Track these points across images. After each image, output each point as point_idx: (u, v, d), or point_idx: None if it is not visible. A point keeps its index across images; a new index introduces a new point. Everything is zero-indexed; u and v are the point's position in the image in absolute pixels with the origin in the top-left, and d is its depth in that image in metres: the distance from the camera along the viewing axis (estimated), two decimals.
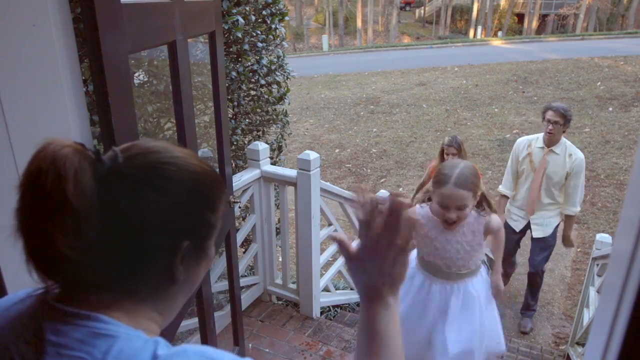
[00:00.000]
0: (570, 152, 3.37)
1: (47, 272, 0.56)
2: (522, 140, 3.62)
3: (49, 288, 0.59)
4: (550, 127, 3.32)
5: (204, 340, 1.82)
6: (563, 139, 3.41)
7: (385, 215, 0.67)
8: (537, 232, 3.60)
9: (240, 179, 2.73)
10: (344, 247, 0.71)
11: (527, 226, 3.67)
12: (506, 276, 3.97)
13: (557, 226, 3.62)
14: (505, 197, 3.77)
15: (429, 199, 2.22)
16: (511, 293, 4.41)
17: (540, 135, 3.52)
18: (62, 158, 0.53)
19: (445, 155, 3.56)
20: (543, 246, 3.62)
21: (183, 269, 0.62)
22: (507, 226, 3.67)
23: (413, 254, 2.29)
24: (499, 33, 27.66)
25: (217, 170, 2.07)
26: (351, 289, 3.57)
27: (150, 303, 0.62)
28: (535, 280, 3.78)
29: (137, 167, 0.58)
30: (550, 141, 3.41)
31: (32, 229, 0.54)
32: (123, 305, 0.60)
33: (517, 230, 3.69)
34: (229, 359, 0.57)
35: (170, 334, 1.42)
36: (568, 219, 3.56)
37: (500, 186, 3.83)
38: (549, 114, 3.33)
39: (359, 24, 27.87)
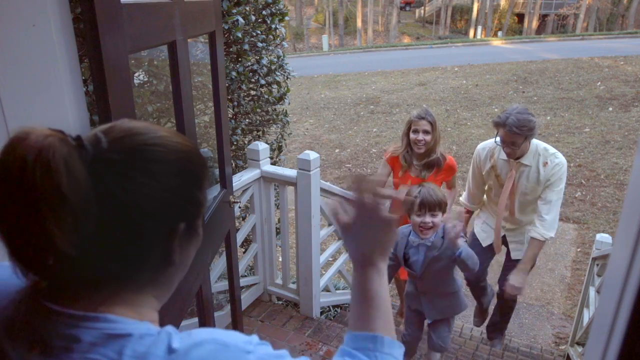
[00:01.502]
0: (546, 160, 2.57)
1: (40, 272, 0.53)
2: (482, 148, 2.80)
3: (38, 284, 0.56)
4: (507, 150, 2.53)
5: None
6: (534, 144, 2.59)
7: (371, 194, 0.72)
8: (517, 254, 2.84)
9: (240, 179, 2.73)
10: (338, 216, 0.76)
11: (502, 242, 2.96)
12: (481, 312, 3.33)
13: None
14: (470, 212, 3.05)
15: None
16: None
17: None
18: (49, 149, 0.48)
19: (412, 133, 2.71)
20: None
21: (179, 251, 0.60)
22: (473, 238, 3.03)
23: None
24: (499, 33, 27.66)
25: (217, 170, 2.07)
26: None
27: (149, 289, 0.61)
28: (508, 303, 3.07)
29: (123, 151, 0.55)
30: (514, 156, 2.60)
31: (21, 228, 0.49)
32: (124, 297, 0.58)
33: (484, 245, 2.93)
34: (242, 342, 0.57)
35: None
36: (532, 245, 2.61)
37: (462, 197, 3.07)
38: (502, 133, 2.49)
39: (359, 24, 27.87)
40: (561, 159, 2.59)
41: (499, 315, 3.17)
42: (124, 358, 0.51)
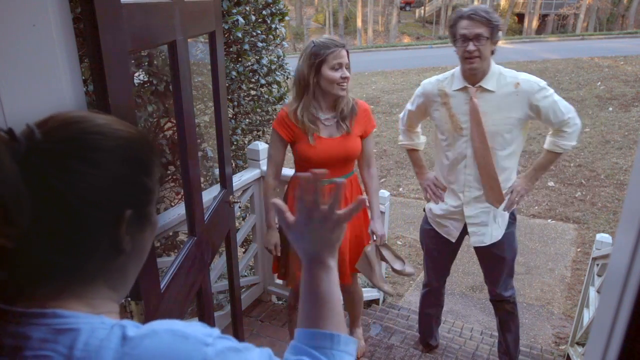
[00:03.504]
0: (517, 80, 2.04)
1: None
2: (428, 82, 2.24)
3: None
4: (471, 46, 1.95)
5: None
6: (494, 66, 2.06)
7: (315, 192, 0.72)
8: (478, 239, 2.24)
9: (240, 179, 2.73)
10: (282, 215, 0.75)
11: (465, 231, 2.31)
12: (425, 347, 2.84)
13: (513, 221, 2.28)
14: (415, 150, 2.45)
15: None
16: None
17: (455, 70, 2.12)
18: None
19: (332, 71, 1.93)
20: (496, 258, 2.30)
21: (129, 239, 0.60)
22: (432, 235, 2.40)
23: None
24: (499, 33, 27.64)
25: (217, 170, 2.07)
26: None
27: (100, 281, 0.60)
28: (504, 309, 2.48)
29: (59, 141, 0.54)
30: (474, 74, 2.02)
31: None
32: (74, 290, 0.57)
33: (454, 240, 2.33)
34: (201, 334, 0.56)
35: None
36: (548, 156, 2.17)
37: (400, 137, 2.49)
38: (463, 26, 1.96)
39: (359, 24, 27.86)
40: (529, 76, 2.08)
41: (499, 330, 2.63)
42: (75, 352, 0.51)
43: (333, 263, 0.75)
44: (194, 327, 0.57)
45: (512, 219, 2.27)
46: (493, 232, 2.23)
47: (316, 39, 2.03)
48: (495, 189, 2.14)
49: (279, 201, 0.76)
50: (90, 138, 0.56)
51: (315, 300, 0.73)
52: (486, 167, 2.11)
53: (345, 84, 1.98)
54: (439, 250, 2.45)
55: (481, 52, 1.97)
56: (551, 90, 2.06)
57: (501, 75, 2.06)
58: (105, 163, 0.56)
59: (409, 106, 2.36)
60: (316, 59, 1.93)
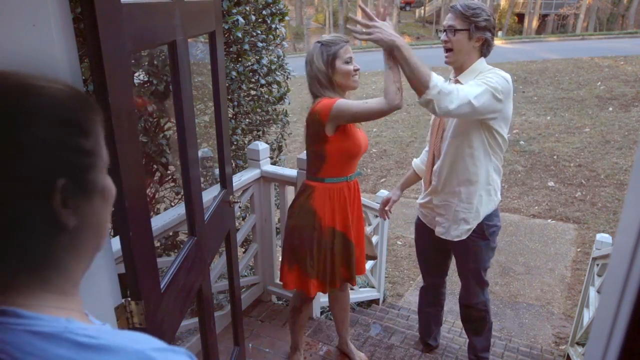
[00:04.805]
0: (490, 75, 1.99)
1: None
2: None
3: None
4: (443, 36, 1.99)
5: (204, 341, 1.82)
6: (480, 63, 2.04)
7: None
8: (440, 229, 2.26)
9: (240, 179, 2.73)
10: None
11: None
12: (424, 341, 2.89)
13: (481, 236, 2.20)
14: (417, 175, 2.52)
15: None
16: (511, 292, 4.41)
17: None
18: None
19: (346, 65, 2.02)
20: (460, 264, 2.37)
21: (71, 212, 0.52)
22: (420, 229, 2.51)
23: None
24: (499, 33, 27.65)
25: (217, 170, 2.07)
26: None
27: (44, 265, 0.52)
28: (470, 315, 2.52)
29: None
30: (454, 67, 2.06)
31: None
32: (17, 284, 0.51)
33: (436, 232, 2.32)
34: None
35: (170, 335, 1.42)
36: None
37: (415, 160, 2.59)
38: (446, 19, 2.02)
39: None
40: (502, 72, 1.99)
41: (466, 332, 2.67)
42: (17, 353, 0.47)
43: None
44: (165, 355, 0.52)
45: (480, 233, 2.21)
46: (452, 231, 2.23)
47: (320, 39, 2.10)
48: (427, 172, 2.32)
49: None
50: (7, 99, 0.48)
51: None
52: (433, 154, 2.25)
53: (357, 75, 2.08)
54: (427, 243, 2.48)
55: (453, 44, 1.98)
56: (497, 79, 1.92)
57: (480, 73, 2.00)
58: (27, 127, 0.48)
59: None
60: (329, 55, 2.03)
